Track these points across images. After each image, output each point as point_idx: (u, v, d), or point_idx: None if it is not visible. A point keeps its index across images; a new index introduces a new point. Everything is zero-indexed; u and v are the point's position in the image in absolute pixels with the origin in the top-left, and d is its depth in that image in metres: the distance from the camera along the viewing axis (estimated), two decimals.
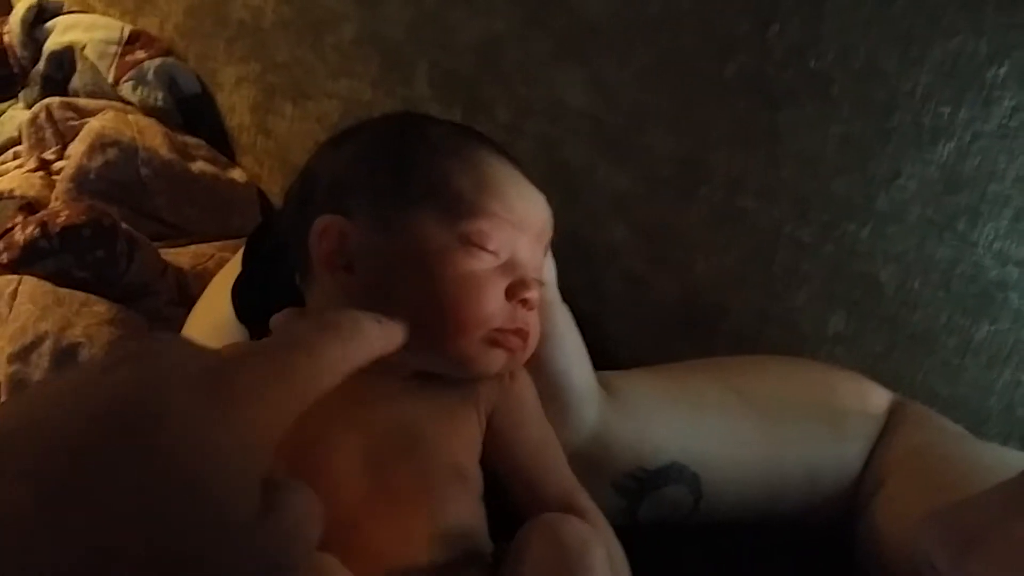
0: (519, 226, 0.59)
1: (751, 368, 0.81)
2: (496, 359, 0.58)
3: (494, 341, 0.57)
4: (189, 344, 0.40)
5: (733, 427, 0.73)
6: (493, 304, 0.57)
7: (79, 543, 0.32)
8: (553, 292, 0.66)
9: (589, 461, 0.66)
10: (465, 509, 0.56)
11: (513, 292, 0.58)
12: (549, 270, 0.66)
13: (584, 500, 0.59)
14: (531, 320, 0.59)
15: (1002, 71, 0.82)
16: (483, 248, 0.57)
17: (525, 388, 0.62)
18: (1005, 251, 0.85)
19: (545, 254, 0.64)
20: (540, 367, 0.64)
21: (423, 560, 0.52)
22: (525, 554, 0.51)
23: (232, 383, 0.37)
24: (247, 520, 0.35)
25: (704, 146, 0.99)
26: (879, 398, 0.79)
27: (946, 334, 0.89)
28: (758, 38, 0.93)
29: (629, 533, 0.58)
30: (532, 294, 0.58)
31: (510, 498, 0.59)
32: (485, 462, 0.59)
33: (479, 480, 0.58)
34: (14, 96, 1.57)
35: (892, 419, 0.78)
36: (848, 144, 0.91)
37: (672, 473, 0.69)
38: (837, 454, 0.75)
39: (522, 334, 0.58)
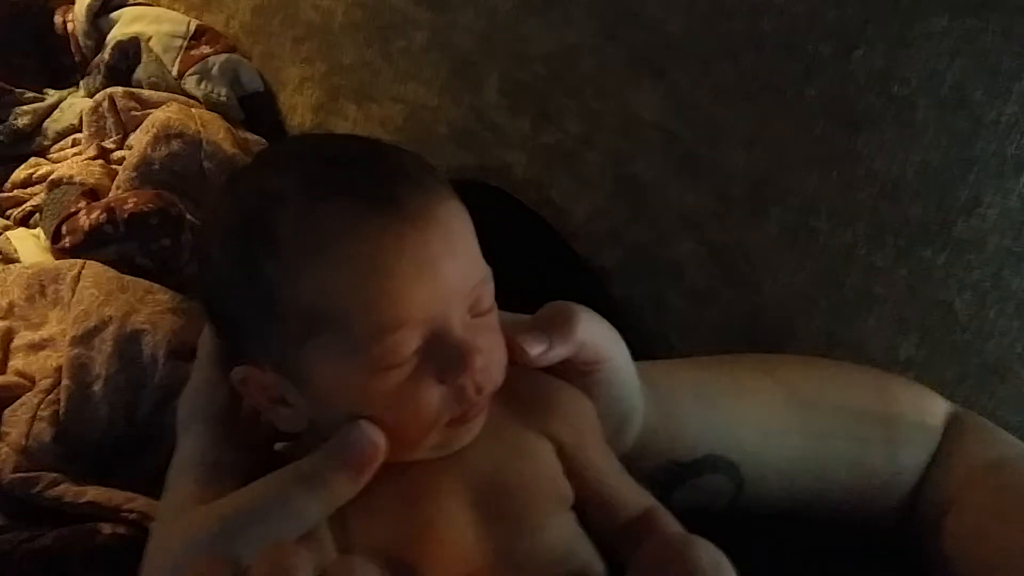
0: (432, 304, 0.51)
1: (802, 365, 0.80)
2: (469, 431, 0.54)
3: (452, 423, 0.53)
4: None
5: (774, 419, 0.71)
6: (429, 407, 0.51)
7: None
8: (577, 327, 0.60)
9: (621, 458, 0.64)
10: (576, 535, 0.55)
11: (444, 378, 0.51)
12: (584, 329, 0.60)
13: (668, 517, 0.58)
14: (481, 379, 0.52)
15: None
16: (392, 367, 0.51)
17: (583, 415, 0.60)
18: None
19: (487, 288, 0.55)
20: (594, 395, 0.61)
21: None
22: None
23: None
24: None
25: (779, 166, 0.99)
26: (937, 407, 0.77)
27: (1020, 364, 0.89)
28: (842, 61, 0.94)
29: None
30: (467, 375, 0.51)
31: (586, 520, 0.58)
32: None
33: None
34: (75, 84, 1.58)
35: (951, 430, 0.76)
36: (928, 171, 0.91)
37: (707, 464, 0.68)
38: (887, 454, 0.73)
39: (474, 403, 0.53)
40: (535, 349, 0.57)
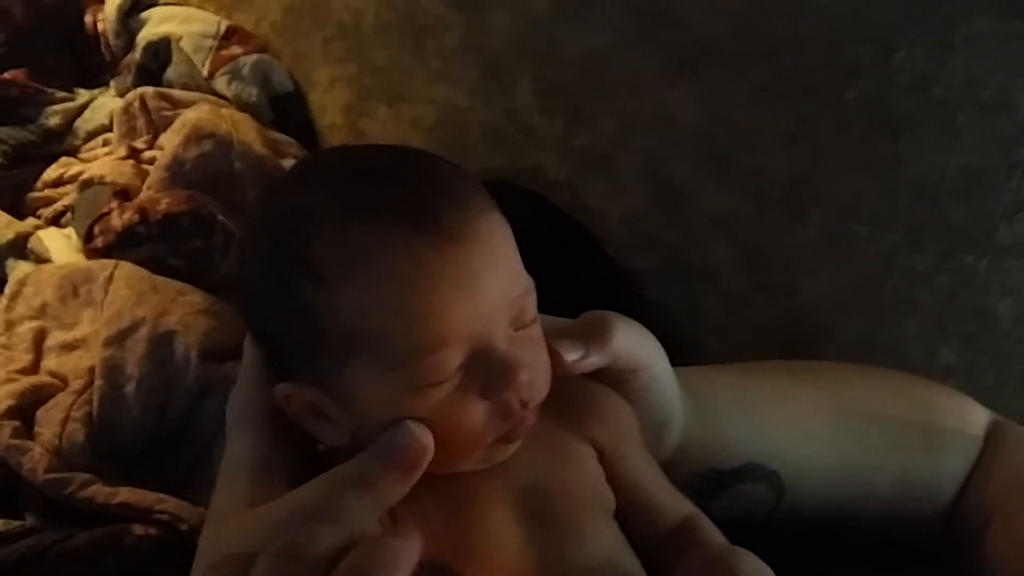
0: (475, 321, 0.50)
1: (842, 372, 0.79)
2: (512, 446, 0.53)
3: (499, 441, 0.52)
4: None
5: (815, 427, 0.71)
6: (473, 423, 0.50)
7: None
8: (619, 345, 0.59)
9: (661, 465, 0.64)
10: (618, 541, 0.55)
11: (489, 394, 0.50)
12: (639, 344, 0.60)
13: (709, 526, 0.57)
14: (526, 393, 0.51)
15: None
16: (435, 385, 0.50)
17: (624, 420, 0.59)
18: None
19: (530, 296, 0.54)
20: (633, 402, 0.61)
21: None
22: None
23: None
24: None
25: (818, 168, 0.99)
26: (978, 416, 0.76)
27: None
28: (883, 64, 0.93)
29: None
30: (511, 390, 0.50)
31: (627, 527, 0.58)
32: None
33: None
34: (105, 84, 1.59)
35: (992, 439, 0.75)
36: (970, 175, 0.90)
37: (747, 472, 0.68)
38: (928, 463, 0.73)
39: (520, 419, 0.52)
40: (571, 355, 0.56)
